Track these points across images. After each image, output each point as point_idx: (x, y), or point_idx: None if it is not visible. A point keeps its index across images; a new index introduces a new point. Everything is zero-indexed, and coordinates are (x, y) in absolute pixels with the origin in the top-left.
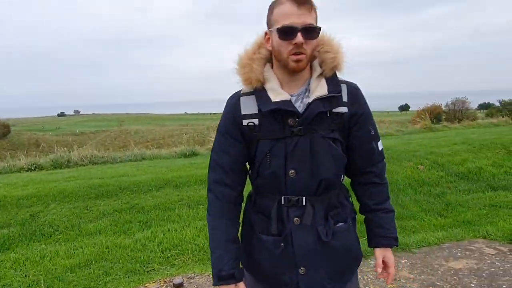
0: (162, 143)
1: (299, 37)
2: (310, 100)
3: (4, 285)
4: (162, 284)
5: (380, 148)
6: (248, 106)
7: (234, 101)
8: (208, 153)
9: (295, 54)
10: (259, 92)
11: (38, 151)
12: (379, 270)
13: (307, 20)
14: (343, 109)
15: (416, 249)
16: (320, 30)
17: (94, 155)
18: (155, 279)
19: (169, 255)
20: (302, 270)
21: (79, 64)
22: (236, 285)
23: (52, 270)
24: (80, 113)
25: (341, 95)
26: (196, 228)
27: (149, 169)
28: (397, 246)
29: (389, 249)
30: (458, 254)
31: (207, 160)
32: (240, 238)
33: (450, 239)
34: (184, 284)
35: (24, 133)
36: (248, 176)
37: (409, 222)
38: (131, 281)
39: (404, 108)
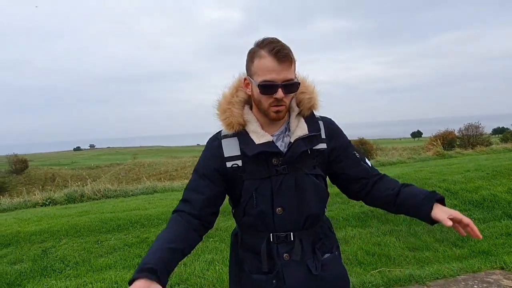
0: (174, 175)
1: (280, 93)
2: (291, 139)
3: None
4: None
5: (370, 164)
6: (231, 148)
7: (216, 144)
8: None
9: (275, 105)
10: (242, 135)
11: (53, 185)
12: (450, 223)
13: (288, 75)
14: (323, 146)
15: (431, 282)
16: (299, 85)
17: (107, 189)
18: None
19: None
20: None
21: (94, 100)
22: (154, 283)
23: None
24: (95, 147)
25: (320, 133)
26: (205, 261)
27: (160, 202)
28: (442, 198)
29: (443, 205)
30: (475, 286)
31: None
32: (228, 277)
33: (466, 270)
34: None
35: (41, 168)
36: (232, 215)
37: (422, 253)
38: None
39: (417, 134)
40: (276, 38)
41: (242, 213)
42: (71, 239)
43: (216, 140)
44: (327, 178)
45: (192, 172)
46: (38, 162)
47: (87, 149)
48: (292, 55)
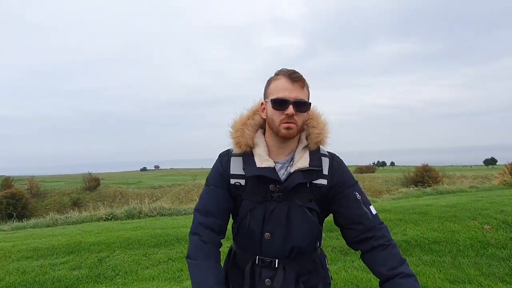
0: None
1: (291, 109)
2: (291, 170)
3: None
4: None
5: (374, 212)
6: (237, 166)
7: (226, 159)
8: None
9: (286, 123)
10: (247, 156)
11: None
12: None
13: (299, 95)
14: (323, 181)
15: None
16: (310, 105)
17: (162, 207)
18: None
19: None
20: None
21: (159, 124)
22: None
23: None
24: (160, 168)
25: (321, 169)
26: None
27: None
28: None
29: None
30: None
31: None
32: None
33: None
34: None
35: (110, 186)
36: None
37: (463, 286)
38: None
39: (490, 162)
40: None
41: (236, 230)
42: (123, 250)
43: (226, 156)
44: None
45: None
46: (109, 181)
47: (152, 169)
48: (305, 81)
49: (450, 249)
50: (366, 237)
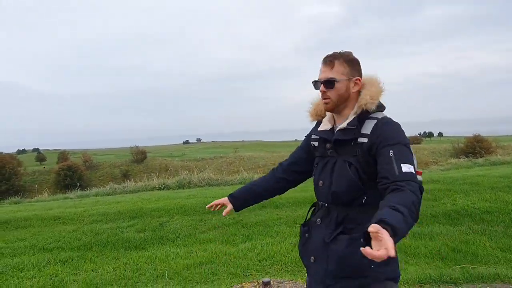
0: (272, 168)
1: (321, 87)
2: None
3: (140, 274)
4: (256, 284)
5: (405, 170)
6: (315, 131)
7: (314, 126)
8: (311, 179)
9: (324, 98)
10: (318, 123)
11: (167, 174)
12: (371, 229)
13: (328, 75)
14: (363, 140)
15: None
16: (335, 81)
17: (210, 178)
18: (251, 280)
19: (265, 264)
20: (312, 259)
21: (199, 99)
22: (227, 200)
23: (174, 266)
24: (202, 141)
25: (357, 128)
26: (291, 243)
27: None
28: (391, 233)
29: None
30: None
31: (307, 183)
32: None
33: None
34: (271, 284)
35: (156, 159)
36: None
37: None
38: (232, 281)
39: None
40: (340, 51)
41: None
42: (181, 216)
43: (314, 124)
44: None
45: None
46: (154, 154)
47: (195, 142)
48: (339, 59)
49: (502, 219)
50: (388, 187)
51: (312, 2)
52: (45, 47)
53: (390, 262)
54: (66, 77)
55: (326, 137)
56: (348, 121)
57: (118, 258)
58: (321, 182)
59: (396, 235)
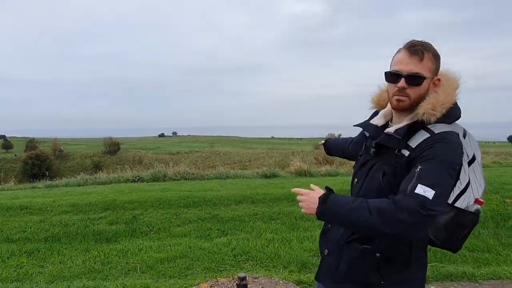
0: (247, 164)
1: (402, 82)
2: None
3: (110, 267)
4: (230, 279)
5: (419, 191)
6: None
7: (371, 116)
8: (287, 176)
9: (398, 95)
10: (374, 113)
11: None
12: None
13: (414, 68)
14: (405, 152)
15: (484, 281)
16: (424, 79)
17: (186, 172)
18: (225, 275)
19: (240, 259)
20: (326, 252)
21: (177, 91)
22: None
23: (146, 260)
24: (177, 134)
25: (400, 139)
26: (266, 239)
27: (231, 186)
28: (321, 199)
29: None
30: None
31: (286, 181)
32: None
33: None
34: (247, 279)
35: (130, 151)
36: None
37: (482, 254)
38: (206, 276)
39: None
40: (423, 41)
41: None
42: (155, 209)
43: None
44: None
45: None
46: (128, 146)
47: (170, 136)
48: (429, 52)
49: None
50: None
51: (295, 0)
52: (16, 32)
53: (405, 282)
54: (39, 63)
55: (372, 135)
56: (398, 126)
57: (88, 251)
58: (356, 179)
59: (324, 203)
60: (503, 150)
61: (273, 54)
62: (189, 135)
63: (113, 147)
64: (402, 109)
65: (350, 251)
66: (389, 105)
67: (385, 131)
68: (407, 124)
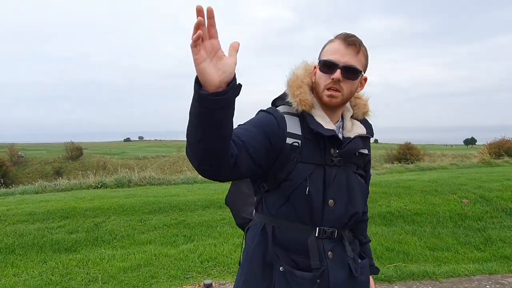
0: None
1: (338, 73)
2: (351, 136)
3: (69, 279)
4: (197, 287)
5: (368, 190)
6: (293, 126)
7: (280, 115)
8: None
9: (330, 89)
10: (307, 116)
11: (105, 172)
12: None
13: (350, 61)
14: (366, 151)
15: (444, 279)
16: (361, 73)
17: (152, 177)
18: (192, 283)
19: (207, 265)
20: None
21: (144, 95)
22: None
23: (109, 270)
24: (144, 139)
25: (371, 138)
26: (234, 244)
27: (198, 191)
28: (376, 272)
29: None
30: (487, 286)
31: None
32: (242, 277)
33: (482, 272)
34: (213, 286)
35: (94, 156)
36: (260, 204)
37: (442, 253)
38: (172, 284)
39: (470, 142)
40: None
41: (283, 199)
42: (119, 216)
43: (279, 112)
44: None
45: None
46: (92, 150)
47: (136, 140)
48: (363, 47)
49: (430, 220)
50: (364, 211)
51: (263, 4)
52: None
53: None
54: None
55: (341, 141)
56: (361, 127)
57: (45, 262)
58: (331, 201)
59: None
60: (460, 153)
61: (241, 58)
62: (155, 140)
63: (75, 152)
64: (333, 105)
65: (363, 277)
66: (317, 105)
67: (355, 135)
68: (368, 123)
